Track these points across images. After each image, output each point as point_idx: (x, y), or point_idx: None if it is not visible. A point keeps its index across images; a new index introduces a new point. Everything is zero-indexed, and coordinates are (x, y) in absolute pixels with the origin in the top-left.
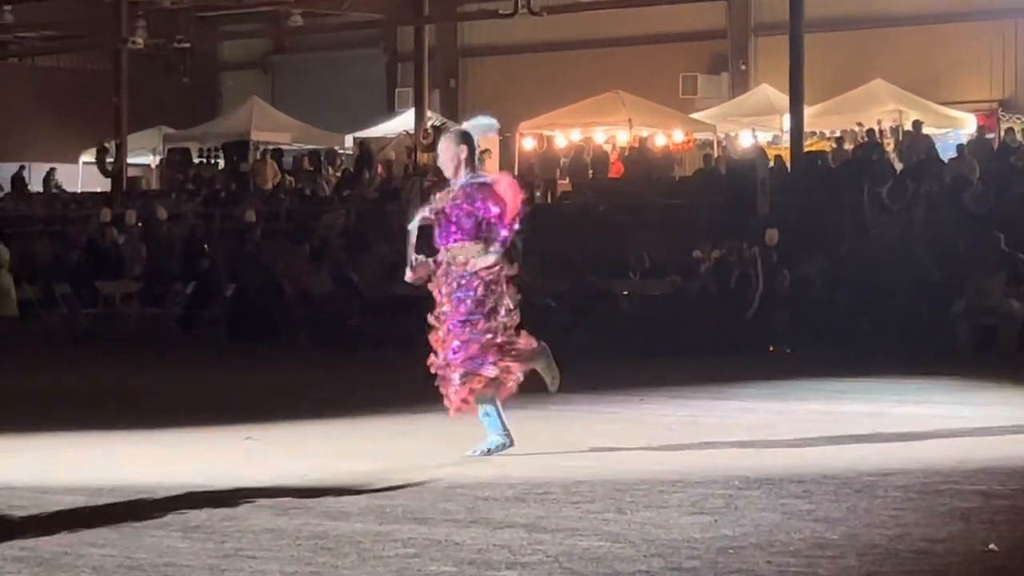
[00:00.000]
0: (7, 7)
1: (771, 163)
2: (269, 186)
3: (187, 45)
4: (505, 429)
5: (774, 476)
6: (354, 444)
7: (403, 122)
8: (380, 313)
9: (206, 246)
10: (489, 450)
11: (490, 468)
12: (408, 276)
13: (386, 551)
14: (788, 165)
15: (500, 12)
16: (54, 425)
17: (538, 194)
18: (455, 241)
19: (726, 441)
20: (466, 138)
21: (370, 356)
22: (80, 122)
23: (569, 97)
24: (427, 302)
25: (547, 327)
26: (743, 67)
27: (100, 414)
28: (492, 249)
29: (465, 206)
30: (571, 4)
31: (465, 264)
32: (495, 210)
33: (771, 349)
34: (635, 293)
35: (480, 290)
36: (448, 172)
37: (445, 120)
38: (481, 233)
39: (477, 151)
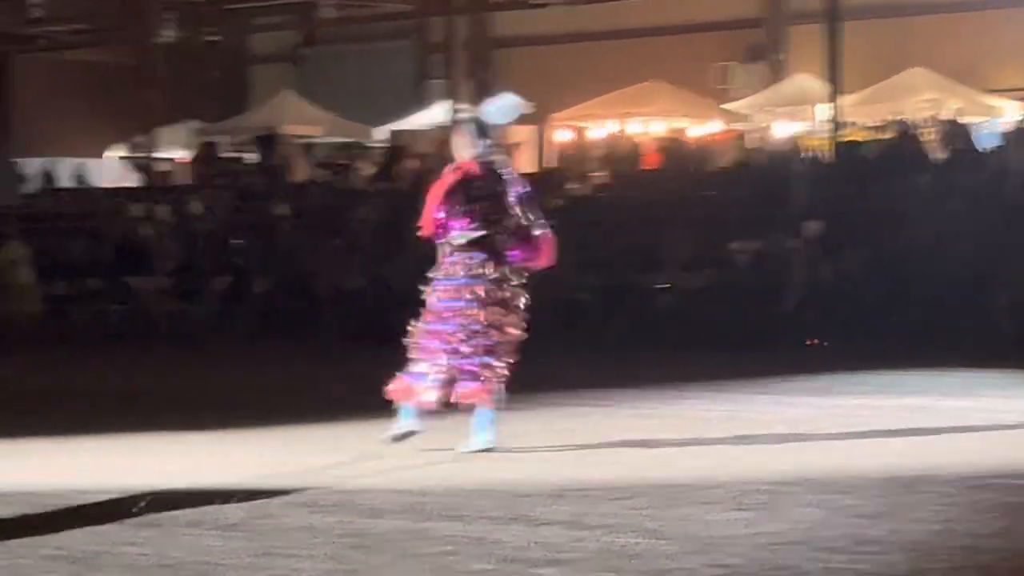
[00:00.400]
0: (35, 1)
1: (808, 154)
2: (302, 180)
3: (217, 38)
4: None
5: (816, 472)
6: (389, 440)
7: (435, 114)
8: (414, 308)
9: (237, 241)
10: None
11: (527, 465)
12: None
13: (423, 549)
14: (826, 156)
15: (532, 2)
16: (87, 425)
17: (571, 186)
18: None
19: (767, 436)
20: (481, 128)
21: (404, 352)
22: (110, 117)
23: (603, 88)
24: None
25: (582, 322)
26: (779, 57)
27: (133, 413)
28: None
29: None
30: None
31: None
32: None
33: (810, 343)
34: (672, 287)
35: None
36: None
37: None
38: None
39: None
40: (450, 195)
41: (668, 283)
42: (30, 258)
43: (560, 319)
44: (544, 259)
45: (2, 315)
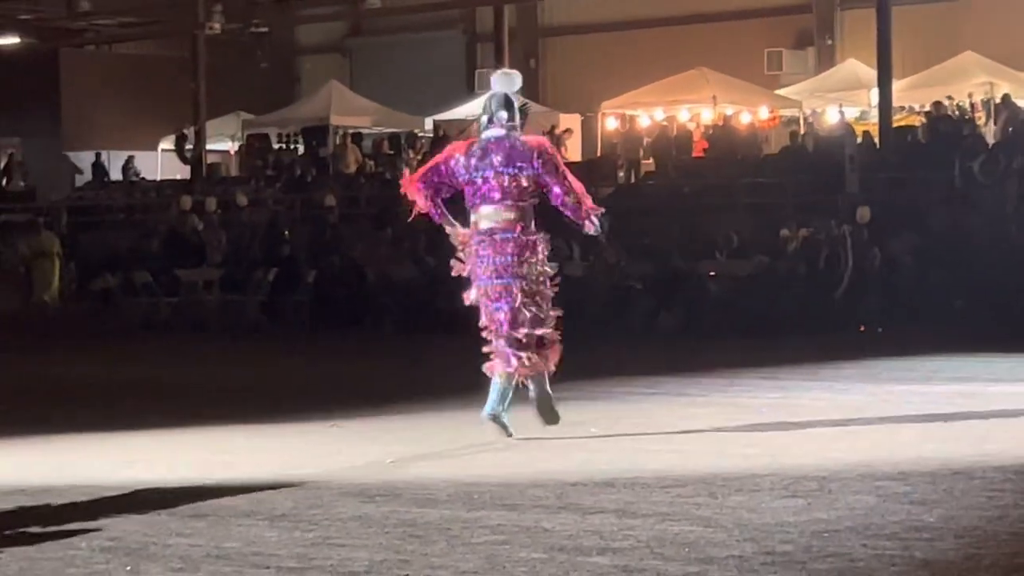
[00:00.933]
0: None
1: (859, 139)
2: (352, 170)
3: (264, 29)
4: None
5: (868, 458)
6: (439, 430)
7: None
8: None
9: (287, 232)
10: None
11: (578, 454)
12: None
13: (475, 538)
14: (877, 141)
15: None
16: (138, 417)
17: (621, 175)
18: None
19: (818, 423)
20: (505, 102)
21: (455, 341)
22: (158, 109)
23: (652, 75)
24: None
25: (633, 310)
26: (829, 42)
27: (184, 404)
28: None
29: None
30: None
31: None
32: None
33: (862, 329)
34: (722, 274)
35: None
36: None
37: (526, 101)
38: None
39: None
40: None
41: (718, 270)
42: (59, 250)
43: (611, 307)
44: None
45: (29, 304)
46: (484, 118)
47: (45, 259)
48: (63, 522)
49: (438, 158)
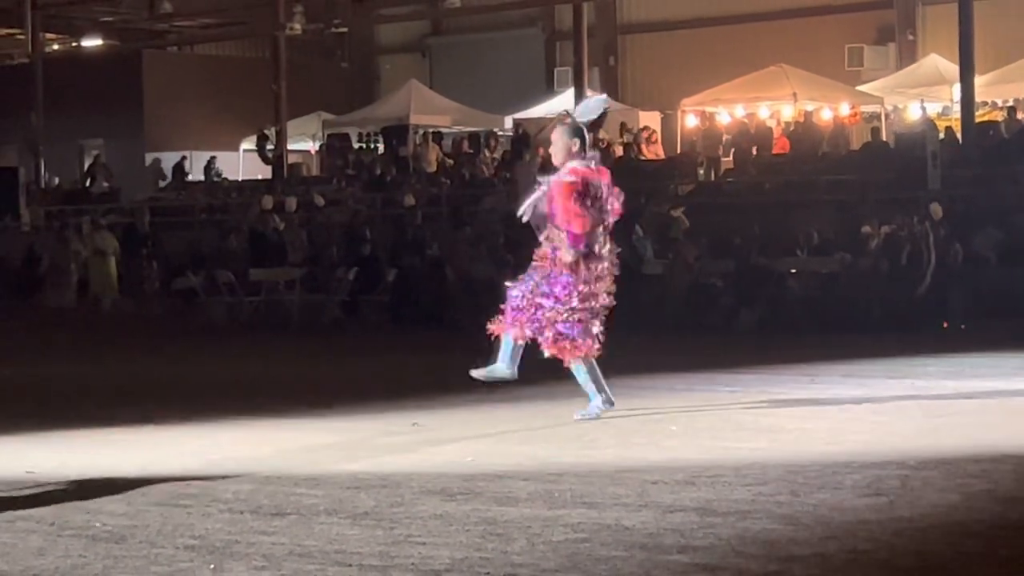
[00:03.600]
0: None
1: (941, 135)
2: (432, 169)
3: (344, 30)
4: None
5: (951, 455)
6: (519, 428)
7: (562, 101)
8: None
9: (367, 231)
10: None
11: (658, 451)
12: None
13: (555, 536)
14: (959, 137)
15: None
16: (221, 414)
17: (701, 172)
18: (553, 224)
19: (901, 420)
20: (579, 132)
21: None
22: (240, 109)
23: (731, 72)
24: None
25: (714, 307)
26: (911, 37)
27: (267, 402)
28: (569, 247)
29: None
30: None
31: (556, 249)
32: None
33: (945, 325)
34: (803, 271)
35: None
36: (557, 160)
37: (606, 99)
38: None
39: (588, 141)
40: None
41: (797, 268)
42: (116, 249)
43: (691, 304)
44: (562, 202)
45: (85, 302)
46: (579, 143)
47: (102, 257)
48: (147, 521)
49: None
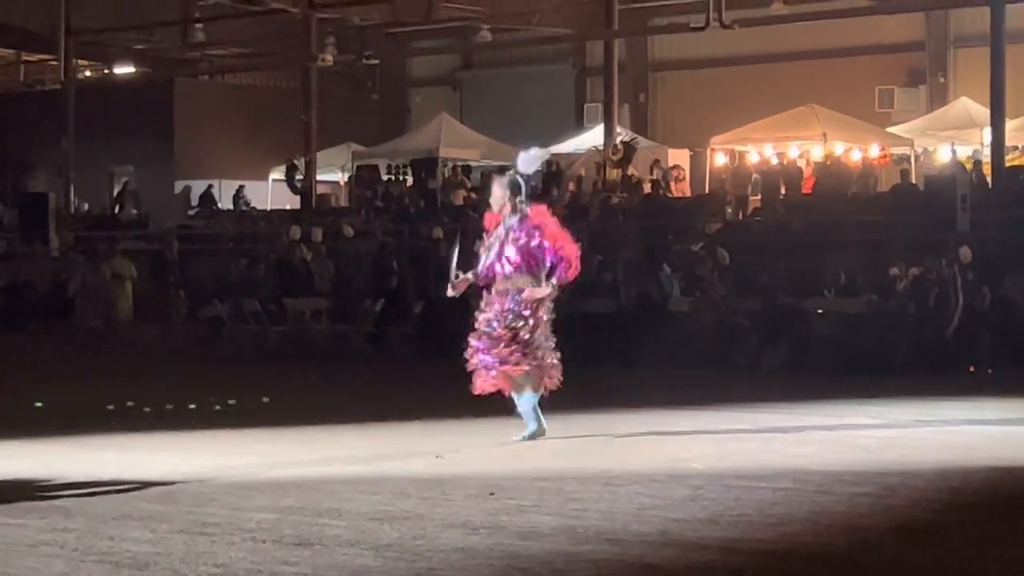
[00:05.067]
0: (198, 25)
1: (970, 178)
2: (460, 203)
3: (376, 62)
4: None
5: (981, 500)
6: (543, 461)
7: (592, 137)
8: (572, 331)
9: (395, 263)
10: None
11: (681, 489)
12: (450, 291)
13: (578, 572)
14: (989, 180)
15: (691, 25)
16: (247, 443)
17: (729, 211)
18: (511, 271)
19: (927, 463)
20: (515, 186)
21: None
22: (270, 139)
23: (761, 111)
24: (618, 319)
25: (740, 345)
26: (941, 79)
27: (290, 434)
28: (551, 282)
29: (519, 243)
30: (763, 17)
31: (521, 290)
32: (550, 247)
33: (972, 369)
34: (829, 311)
35: (529, 311)
36: (496, 210)
37: (635, 135)
38: (530, 267)
39: (524, 193)
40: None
41: (824, 308)
42: (132, 274)
43: (718, 342)
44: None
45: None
46: (517, 195)
47: (119, 282)
48: (169, 548)
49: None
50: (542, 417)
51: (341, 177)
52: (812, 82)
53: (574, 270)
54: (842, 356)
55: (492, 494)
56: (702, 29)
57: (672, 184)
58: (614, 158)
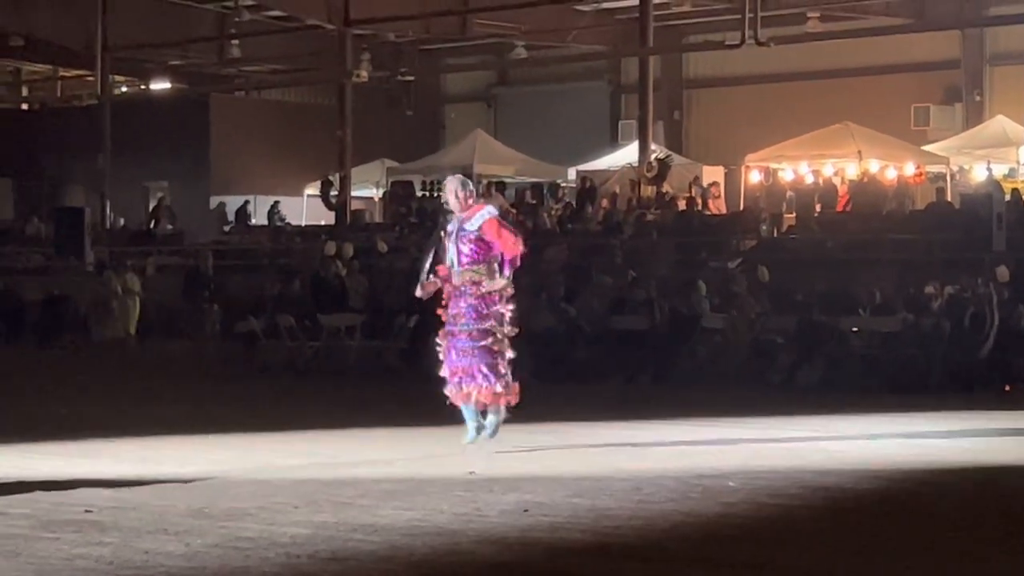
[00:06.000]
0: (234, 42)
1: (1007, 196)
2: None
3: (411, 78)
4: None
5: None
6: (577, 479)
7: (627, 154)
8: (603, 346)
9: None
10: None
11: (716, 506)
12: (419, 292)
13: None
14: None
15: (726, 43)
16: (279, 455)
17: (764, 228)
18: (465, 265)
19: (962, 481)
20: (465, 182)
21: (594, 389)
22: (305, 155)
23: (796, 129)
24: (652, 335)
25: (774, 363)
26: (977, 98)
27: (326, 449)
28: (502, 274)
29: (469, 237)
30: (798, 35)
31: (478, 284)
32: (494, 241)
33: (1007, 388)
34: (864, 330)
35: (495, 304)
36: (455, 208)
37: (669, 152)
38: (482, 258)
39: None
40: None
41: (859, 327)
42: (139, 289)
43: (752, 360)
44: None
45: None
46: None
47: (127, 296)
48: (204, 561)
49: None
50: (479, 422)
51: (375, 193)
52: (848, 99)
53: (518, 256)
54: (877, 374)
55: (526, 511)
56: (737, 46)
57: (710, 202)
58: (648, 175)
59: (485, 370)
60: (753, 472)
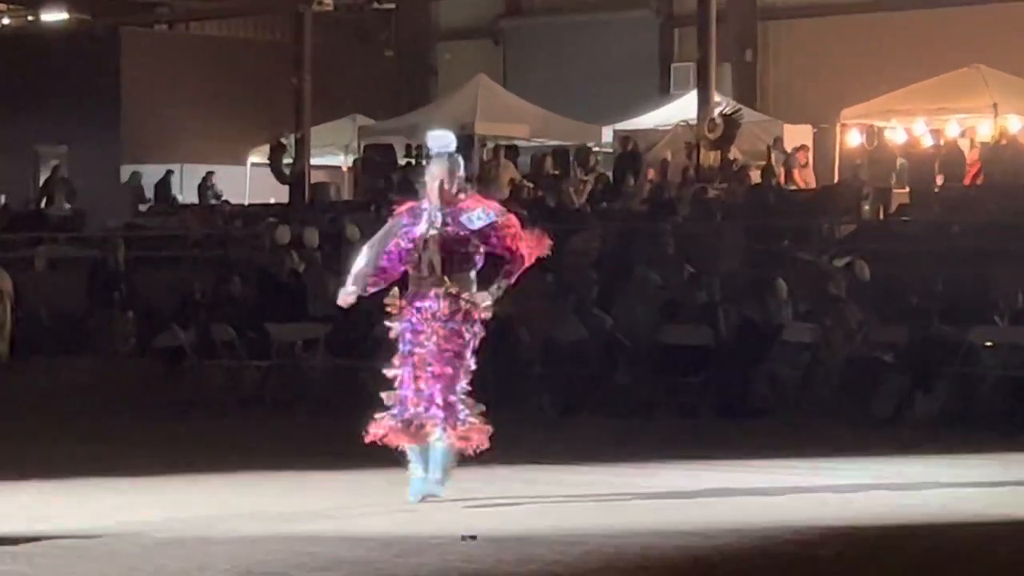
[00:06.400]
0: None
1: None
2: (504, 195)
3: (391, 5)
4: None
5: None
6: (605, 537)
7: (681, 108)
8: (650, 366)
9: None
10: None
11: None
12: (340, 298)
13: None
14: None
15: None
16: (218, 514)
17: (866, 208)
18: (457, 271)
19: None
20: (458, 163)
21: (637, 424)
22: (249, 110)
23: (910, 74)
24: (716, 352)
25: (881, 389)
26: None
27: (276, 501)
28: (496, 288)
29: (467, 236)
30: None
31: (459, 296)
32: (512, 247)
33: None
34: (1003, 344)
35: (473, 325)
36: (441, 198)
37: (739, 106)
38: (469, 266)
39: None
40: None
41: (994, 340)
42: (10, 290)
43: (851, 384)
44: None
45: None
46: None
47: None
48: None
49: None
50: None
51: (344, 161)
52: (980, 34)
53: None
54: (1018, 403)
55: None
56: None
57: (794, 172)
58: (711, 136)
59: (453, 401)
60: (856, 534)
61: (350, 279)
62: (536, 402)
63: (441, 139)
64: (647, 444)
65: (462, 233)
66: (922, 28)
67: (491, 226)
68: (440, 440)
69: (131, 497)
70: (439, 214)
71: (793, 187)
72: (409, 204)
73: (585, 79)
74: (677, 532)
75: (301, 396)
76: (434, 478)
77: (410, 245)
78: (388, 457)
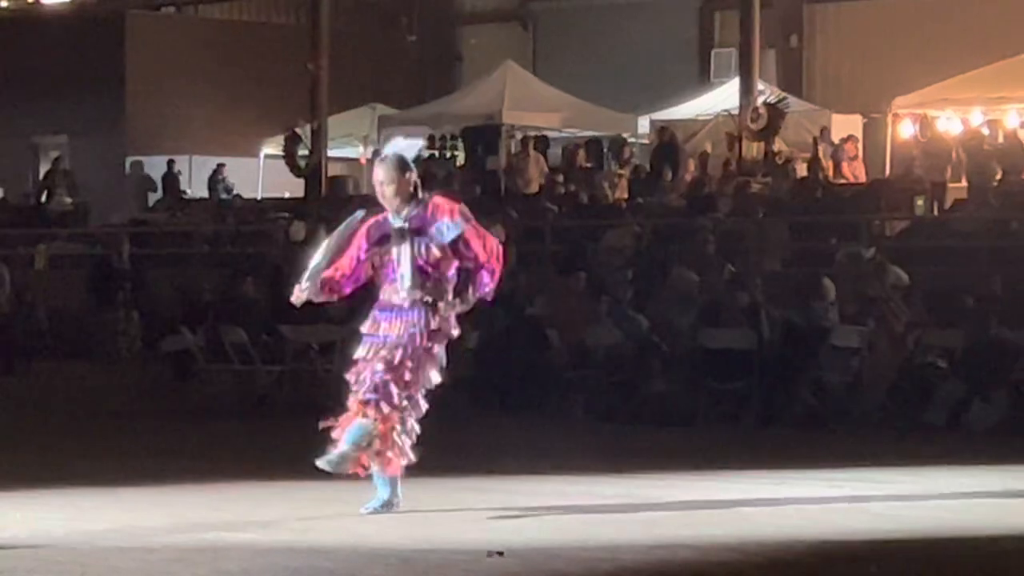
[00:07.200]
0: None
1: None
2: (533, 190)
3: None
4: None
5: None
6: (636, 552)
7: (722, 97)
8: (688, 372)
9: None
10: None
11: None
12: (295, 295)
13: None
14: None
15: None
16: (231, 529)
17: (920, 203)
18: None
19: None
20: (406, 164)
21: (675, 433)
22: (262, 98)
23: (966, 61)
24: (759, 357)
25: (934, 398)
26: None
27: (290, 515)
28: (466, 298)
29: (439, 247)
30: None
31: (433, 306)
32: (480, 256)
33: None
34: None
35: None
36: (392, 204)
37: (784, 95)
38: (433, 276)
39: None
40: None
41: None
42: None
43: (901, 392)
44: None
45: None
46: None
47: None
48: None
49: None
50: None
51: (363, 153)
52: None
53: (495, 281)
54: None
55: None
56: None
57: (843, 165)
58: (754, 127)
59: (393, 395)
60: (908, 548)
61: (304, 276)
62: (567, 409)
63: (397, 144)
64: (685, 454)
65: (435, 251)
66: (980, 10)
67: (460, 237)
68: (364, 417)
69: (136, 508)
70: (401, 222)
71: (841, 181)
72: (373, 219)
73: (620, 65)
74: (718, 547)
75: (317, 402)
76: (338, 450)
77: (384, 255)
78: (410, 469)
